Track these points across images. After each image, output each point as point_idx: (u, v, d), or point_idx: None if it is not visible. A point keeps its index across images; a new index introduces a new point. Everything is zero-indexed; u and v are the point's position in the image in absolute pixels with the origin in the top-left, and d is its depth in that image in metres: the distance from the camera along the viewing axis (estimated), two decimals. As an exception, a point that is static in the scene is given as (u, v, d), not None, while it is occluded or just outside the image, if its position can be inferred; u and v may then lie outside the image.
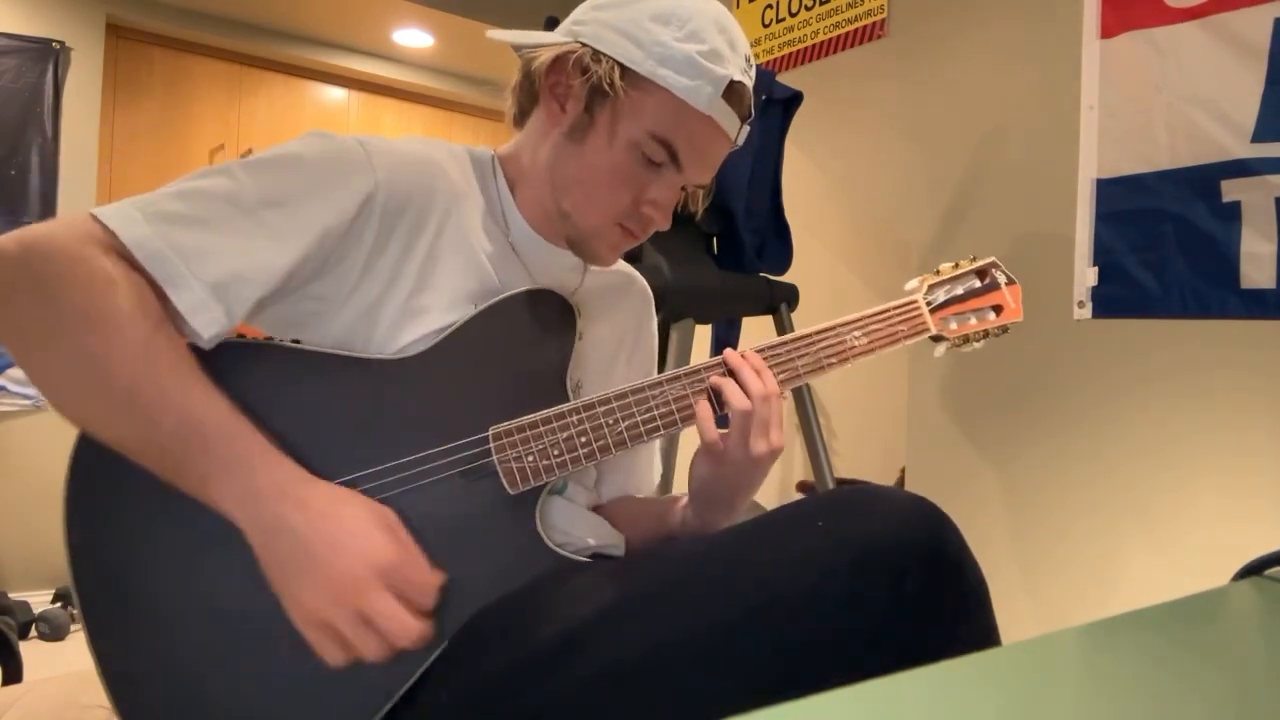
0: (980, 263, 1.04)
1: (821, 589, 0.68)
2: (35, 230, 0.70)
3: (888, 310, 0.96)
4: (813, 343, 0.91)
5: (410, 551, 0.73)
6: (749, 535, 0.76)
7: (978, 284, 1.02)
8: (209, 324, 0.72)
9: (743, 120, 0.88)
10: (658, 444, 1.08)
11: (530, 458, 0.81)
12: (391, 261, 0.82)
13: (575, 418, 0.83)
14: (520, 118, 0.94)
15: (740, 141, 0.90)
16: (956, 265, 1.03)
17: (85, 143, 3.36)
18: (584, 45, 0.85)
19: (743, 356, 0.86)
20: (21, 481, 3.14)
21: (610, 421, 0.83)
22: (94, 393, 0.70)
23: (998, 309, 1.03)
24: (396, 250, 0.82)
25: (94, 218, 0.71)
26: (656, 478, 1.08)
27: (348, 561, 0.69)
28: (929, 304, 0.99)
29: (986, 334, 1.02)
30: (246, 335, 0.83)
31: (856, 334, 0.93)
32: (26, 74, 3.22)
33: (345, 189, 0.79)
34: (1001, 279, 1.03)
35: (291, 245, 0.76)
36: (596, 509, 0.99)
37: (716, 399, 0.85)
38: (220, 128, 3.81)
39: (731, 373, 0.86)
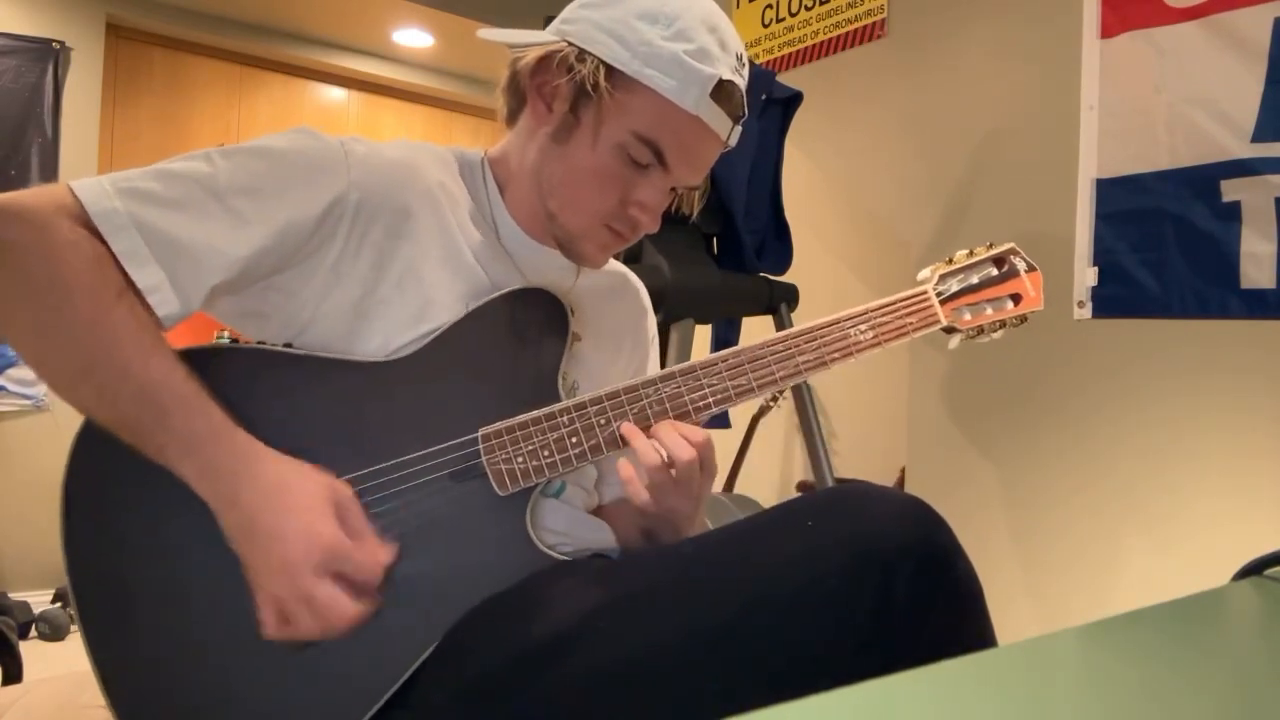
0: (998, 250, 0.98)
1: (811, 590, 0.68)
2: (8, 196, 0.71)
3: (895, 302, 0.92)
4: (815, 337, 0.89)
5: (356, 530, 0.74)
6: (740, 536, 0.75)
7: (994, 272, 0.97)
8: (162, 303, 0.73)
9: (734, 120, 0.87)
10: None
11: (520, 459, 0.81)
12: (369, 263, 0.82)
13: (565, 418, 0.82)
14: (511, 118, 0.94)
15: (732, 142, 0.89)
16: (971, 253, 0.98)
17: (85, 143, 3.36)
18: (570, 44, 0.84)
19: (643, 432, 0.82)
20: (21, 481, 3.14)
21: (602, 421, 0.83)
22: (56, 361, 0.72)
23: (1016, 298, 0.98)
24: (373, 252, 0.82)
25: (69, 189, 0.72)
26: None
27: (288, 546, 0.70)
28: (940, 294, 0.95)
29: (1004, 324, 0.97)
30: (239, 341, 0.84)
31: (862, 328, 0.90)
32: (26, 74, 3.21)
33: (315, 187, 0.80)
34: (1021, 266, 0.98)
35: (251, 235, 0.77)
36: (598, 510, 0.98)
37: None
38: (220, 128, 3.81)
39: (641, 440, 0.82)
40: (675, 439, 0.81)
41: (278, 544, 0.70)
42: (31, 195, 0.71)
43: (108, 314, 0.70)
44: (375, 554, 0.74)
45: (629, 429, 0.82)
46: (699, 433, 0.82)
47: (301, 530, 0.71)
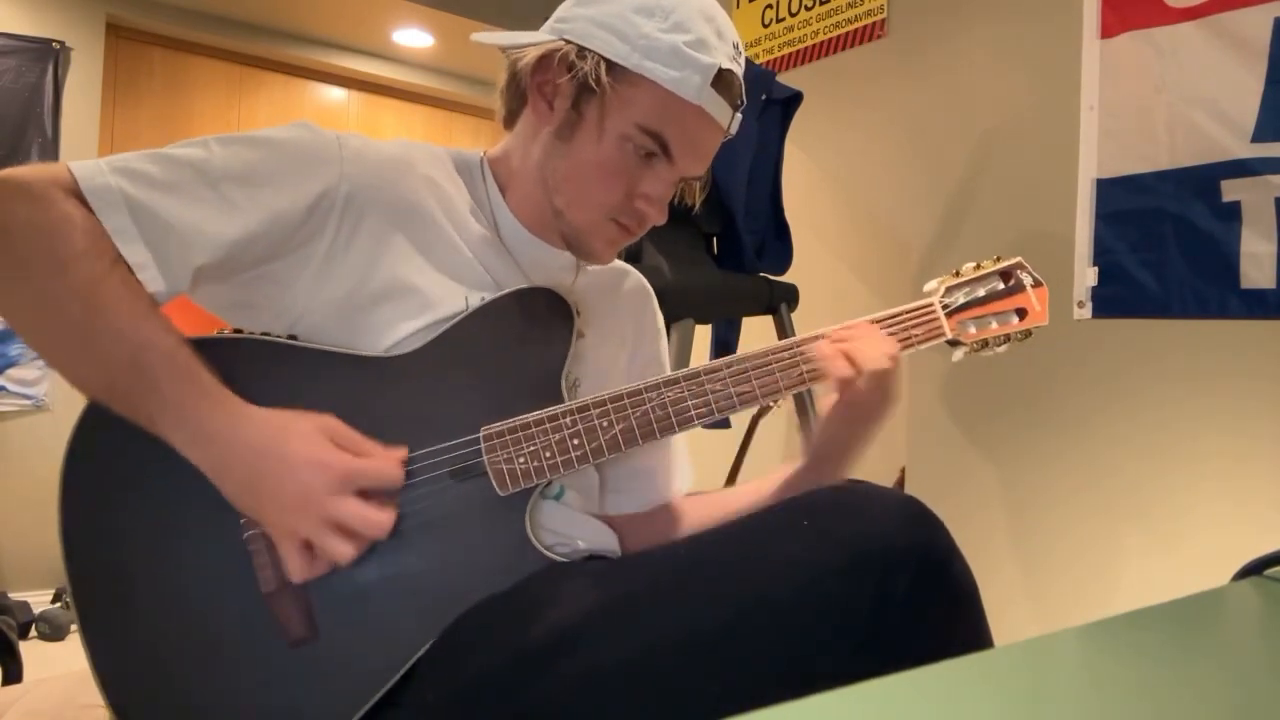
0: (1005, 263, 0.98)
1: (810, 590, 0.68)
2: (5, 171, 0.73)
3: (902, 313, 0.92)
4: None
5: (359, 449, 0.75)
6: (738, 536, 0.75)
7: (1001, 286, 0.97)
8: (149, 281, 0.74)
9: (734, 108, 0.88)
10: (683, 445, 1.06)
11: (521, 459, 0.80)
12: (361, 255, 0.82)
13: (568, 419, 0.82)
14: (510, 119, 0.94)
15: (733, 130, 0.89)
16: (979, 266, 0.98)
17: (85, 143, 3.36)
18: (569, 42, 0.85)
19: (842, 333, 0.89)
20: (21, 481, 3.14)
21: (604, 424, 0.82)
22: (53, 332, 0.73)
23: (1022, 312, 0.97)
24: (364, 244, 0.82)
25: (66, 166, 0.74)
26: (684, 480, 1.05)
27: (299, 481, 0.71)
28: (946, 306, 0.94)
29: (1008, 339, 0.97)
30: (243, 332, 0.84)
31: None
32: (26, 74, 3.22)
33: (306, 179, 0.81)
34: (1028, 280, 0.98)
35: (239, 220, 0.78)
36: (614, 523, 0.98)
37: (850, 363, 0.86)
38: (220, 128, 3.79)
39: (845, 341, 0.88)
40: (870, 351, 0.86)
41: (289, 484, 0.71)
42: (29, 170, 0.73)
43: (101, 282, 0.71)
44: (387, 459, 0.76)
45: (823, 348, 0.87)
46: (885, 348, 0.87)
47: (307, 463, 0.72)
